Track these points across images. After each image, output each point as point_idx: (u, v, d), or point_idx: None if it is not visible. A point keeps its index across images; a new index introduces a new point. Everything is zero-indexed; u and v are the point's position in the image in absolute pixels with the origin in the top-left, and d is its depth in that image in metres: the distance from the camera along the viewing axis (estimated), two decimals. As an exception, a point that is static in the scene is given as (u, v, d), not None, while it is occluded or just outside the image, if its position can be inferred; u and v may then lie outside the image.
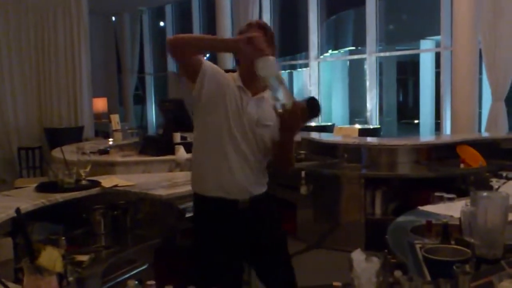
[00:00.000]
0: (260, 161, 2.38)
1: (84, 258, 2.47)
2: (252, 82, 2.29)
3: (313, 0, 8.62)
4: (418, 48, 11.09)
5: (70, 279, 2.00)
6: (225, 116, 2.27)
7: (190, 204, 3.03)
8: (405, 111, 14.02)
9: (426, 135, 10.27)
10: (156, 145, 4.19)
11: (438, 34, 7.18)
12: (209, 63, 2.31)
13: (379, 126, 7.86)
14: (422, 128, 11.31)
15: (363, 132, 6.73)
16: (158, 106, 4.56)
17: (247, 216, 2.36)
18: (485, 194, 1.81)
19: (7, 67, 8.53)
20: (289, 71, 11.72)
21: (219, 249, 2.35)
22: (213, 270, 2.35)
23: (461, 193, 3.10)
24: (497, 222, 1.79)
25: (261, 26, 2.34)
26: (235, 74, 2.36)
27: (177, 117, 4.29)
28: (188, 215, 3.00)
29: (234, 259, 2.40)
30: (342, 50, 11.69)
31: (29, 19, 8.66)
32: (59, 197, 2.76)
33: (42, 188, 2.92)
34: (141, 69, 12.80)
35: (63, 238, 2.42)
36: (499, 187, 2.81)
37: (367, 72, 8.00)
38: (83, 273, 2.32)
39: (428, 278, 1.70)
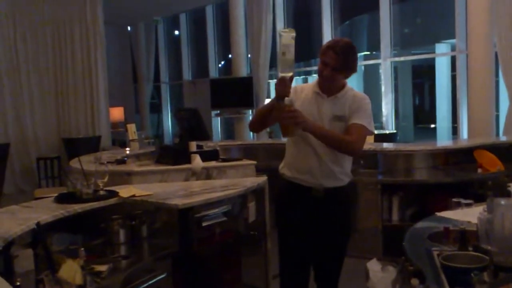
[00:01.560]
0: (334, 153, 2.73)
1: (103, 268, 2.50)
2: (327, 88, 2.75)
3: (327, 6, 8.62)
4: (433, 51, 11.02)
5: (90, 289, 2.03)
6: None
7: (207, 213, 3.07)
8: (422, 115, 13.93)
9: (443, 140, 10.18)
10: (172, 154, 4.21)
11: (453, 37, 7.14)
12: None
13: (395, 131, 7.81)
14: (439, 133, 11.22)
15: (379, 137, 6.69)
16: (173, 115, 4.60)
17: (320, 204, 2.77)
18: (502, 201, 1.79)
19: (26, 79, 8.67)
20: (304, 77, 11.72)
21: (295, 228, 2.81)
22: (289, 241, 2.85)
23: (479, 198, 3.07)
24: (515, 229, 1.78)
25: (336, 51, 2.64)
26: (315, 82, 2.82)
27: (193, 126, 4.32)
28: (205, 224, 3.03)
29: (304, 237, 2.81)
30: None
31: (46, 31, 8.80)
32: (78, 208, 2.80)
33: (61, 199, 2.96)
34: (157, 78, 12.91)
35: (82, 248, 2.44)
36: (517, 192, 2.77)
37: (382, 77, 7.97)
38: (102, 283, 2.35)
39: (446, 285, 1.69)
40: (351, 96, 2.78)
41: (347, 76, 2.75)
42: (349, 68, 2.70)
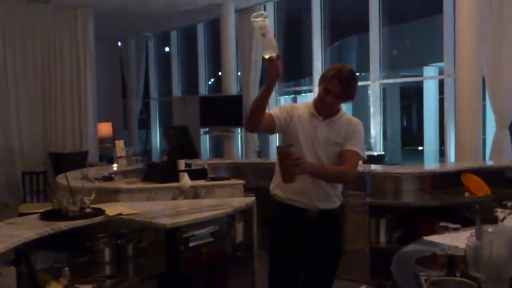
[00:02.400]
0: None
1: (88, 287, 2.46)
2: (323, 110, 2.79)
3: (317, 26, 8.69)
4: (421, 74, 11.14)
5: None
6: (297, 141, 2.76)
7: (194, 233, 3.04)
8: (409, 137, 14.04)
9: (431, 162, 10.24)
10: (160, 172, 4.19)
11: (442, 60, 7.22)
12: (281, 113, 2.78)
13: (383, 153, 7.85)
14: (426, 155, 11.30)
15: (368, 159, 6.69)
16: (162, 133, 4.58)
17: (314, 226, 2.79)
18: (489, 228, 1.80)
19: (13, 91, 8.59)
20: (293, 96, 11.78)
21: (287, 250, 2.82)
22: (280, 264, 2.87)
23: (466, 222, 3.08)
24: (502, 256, 1.78)
25: (340, 80, 2.70)
26: (310, 103, 2.86)
27: (182, 144, 4.31)
28: (192, 244, 3.00)
29: (296, 259, 2.84)
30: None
31: (36, 43, 8.76)
32: (63, 225, 2.76)
33: (46, 216, 2.92)
34: (146, 94, 12.89)
35: (67, 268, 2.41)
36: (504, 217, 2.79)
37: (371, 98, 8.02)
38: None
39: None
40: (346, 120, 2.85)
41: (345, 102, 2.83)
42: (351, 96, 2.77)
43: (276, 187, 2.86)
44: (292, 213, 2.80)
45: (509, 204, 3.22)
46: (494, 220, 2.90)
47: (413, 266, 2.29)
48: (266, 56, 2.48)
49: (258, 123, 2.65)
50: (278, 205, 2.86)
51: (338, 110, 2.85)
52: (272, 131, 2.83)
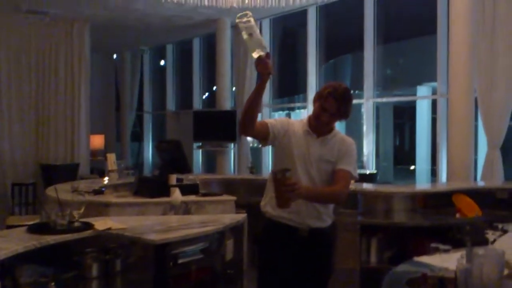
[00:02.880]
0: None
1: (73, 303, 2.42)
2: (317, 127, 2.80)
3: (312, 43, 8.74)
4: (415, 93, 11.20)
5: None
6: (290, 156, 2.77)
7: (184, 249, 3.01)
8: (402, 156, 14.06)
9: (422, 182, 10.25)
10: (151, 187, 4.17)
11: (435, 80, 7.27)
12: (276, 123, 2.80)
13: (375, 171, 7.85)
14: (418, 174, 11.31)
15: (359, 177, 6.69)
16: (155, 146, 4.57)
17: (305, 244, 2.78)
18: (480, 251, 1.79)
19: (6, 100, 8.58)
20: (287, 112, 11.80)
21: (277, 268, 2.81)
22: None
23: (457, 243, 3.06)
24: (493, 279, 1.77)
25: (336, 98, 2.72)
26: (305, 120, 2.87)
27: (174, 158, 4.29)
28: (181, 260, 2.97)
29: (285, 278, 2.81)
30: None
31: (31, 54, 8.76)
32: (50, 239, 2.72)
33: (34, 229, 2.88)
34: (140, 107, 12.89)
35: (53, 283, 2.37)
36: (494, 240, 2.78)
37: (365, 117, 8.05)
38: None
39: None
40: (339, 139, 2.86)
41: (340, 121, 2.85)
42: (346, 114, 2.79)
43: (267, 204, 2.85)
44: (283, 231, 2.78)
45: (500, 226, 3.22)
46: (484, 242, 2.89)
47: (403, 287, 2.28)
48: (255, 56, 2.48)
49: (252, 124, 2.63)
50: (268, 223, 2.84)
51: (332, 129, 2.86)
52: (266, 139, 2.78)
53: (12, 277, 2.28)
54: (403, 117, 14.22)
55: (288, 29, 10.46)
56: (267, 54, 2.48)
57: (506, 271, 1.96)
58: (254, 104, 2.59)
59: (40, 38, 8.82)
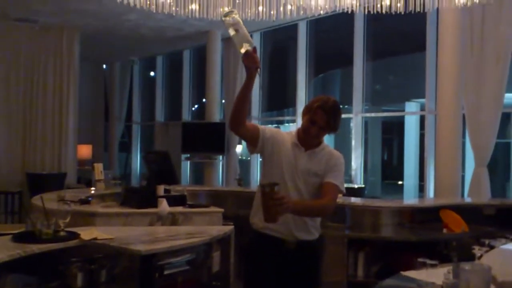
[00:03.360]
0: None
1: (57, 313, 2.39)
2: (306, 140, 2.79)
3: (302, 57, 8.80)
4: (403, 109, 11.27)
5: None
6: (279, 167, 2.77)
7: (170, 260, 2.99)
8: (390, 171, 14.11)
9: (410, 197, 10.28)
10: (139, 197, 4.14)
11: (424, 96, 7.33)
12: (267, 129, 2.81)
13: (363, 186, 7.87)
14: (406, 190, 11.35)
15: (348, 191, 6.70)
16: (143, 157, 4.56)
17: (292, 257, 2.76)
18: (466, 266, 1.79)
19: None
20: (276, 125, 11.83)
21: (263, 280, 2.78)
22: None
23: (444, 258, 3.07)
24: (479, 294, 1.77)
25: (326, 110, 2.73)
26: (294, 132, 2.87)
27: (162, 169, 4.28)
28: (167, 272, 2.94)
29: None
30: (329, 108, 11.80)
31: (20, 60, 8.71)
32: (35, 248, 2.69)
33: (19, 238, 2.85)
34: (129, 118, 12.85)
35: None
36: (481, 255, 2.79)
37: (353, 131, 8.09)
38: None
39: None
40: (327, 152, 2.86)
41: (329, 134, 2.85)
42: (335, 128, 2.79)
43: (255, 216, 2.83)
44: (270, 243, 2.76)
45: (486, 241, 3.24)
46: (471, 258, 2.90)
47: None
48: (242, 51, 2.49)
49: (242, 119, 2.64)
50: (255, 234, 2.82)
51: (320, 142, 2.86)
52: (255, 142, 2.77)
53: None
54: (392, 132, 14.29)
55: (279, 42, 10.52)
56: (254, 49, 2.51)
57: (492, 287, 1.97)
58: (243, 99, 2.61)
59: (29, 46, 8.79)
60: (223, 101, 9.74)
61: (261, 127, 2.82)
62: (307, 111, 2.79)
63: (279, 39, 10.27)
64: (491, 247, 3.02)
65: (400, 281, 2.61)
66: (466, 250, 3.18)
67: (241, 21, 2.52)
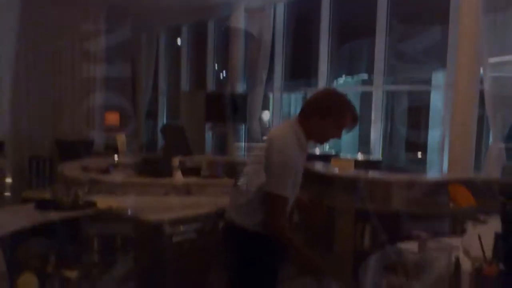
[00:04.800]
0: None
1: (73, 274, 2.63)
2: (315, 139, 2.68)
3: (325, 29, 8.76)
4: (429, 79, 11.13)
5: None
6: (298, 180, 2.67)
7: (180, 229, 3.20)
8: (414, 144, 13.99)
9: (433, 170, 10.25)
10: (155, 167, 4.35)
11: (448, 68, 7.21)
12: (288, 193, 2.54)
13: (380, 159, 7.89)
14: (429, 163, 11.29)
15: (363, 164, 6.82)
16: (160, 130, 4.71)
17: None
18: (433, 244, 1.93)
19: (24, 77, 8.79)
20: (303, 93, 11.83)
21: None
22: None
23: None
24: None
25: (355, 119, 2.66)
26: (296, 128, 2.59)
27: (178, 142, 4.46)
28: (175, 239, 3.16)
29: None
30: (356, 77, 11.81)
31: (50, 30, 8.91)
32: (54, 215, 2.93)
33: (40, 205, 3.09)
34: (155, 87, 13.03)
35: (53, 255, 2.58)
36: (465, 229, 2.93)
37: (373, 105, 8.09)
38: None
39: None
40: None
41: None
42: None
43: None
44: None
45: (481, 217, 3.37)
46: (462, 231, 3.06)
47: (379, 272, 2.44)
48: None
49: None
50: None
51: None
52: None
53: (18, 248, 2.48)
54: (419, 105, 14.10)
55: (302, 13, 10.48)
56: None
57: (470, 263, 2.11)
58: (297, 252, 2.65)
59: (58, 14, 8.98)
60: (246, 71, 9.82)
61: (286, 193, 2.52)
62: (335, 115, 2.56)
63: (303, 11, 10.23)
64: (484, 223, 3.16)
65: (390, 251, 2.76)
66: (461, 224, 3.32)
67: None
